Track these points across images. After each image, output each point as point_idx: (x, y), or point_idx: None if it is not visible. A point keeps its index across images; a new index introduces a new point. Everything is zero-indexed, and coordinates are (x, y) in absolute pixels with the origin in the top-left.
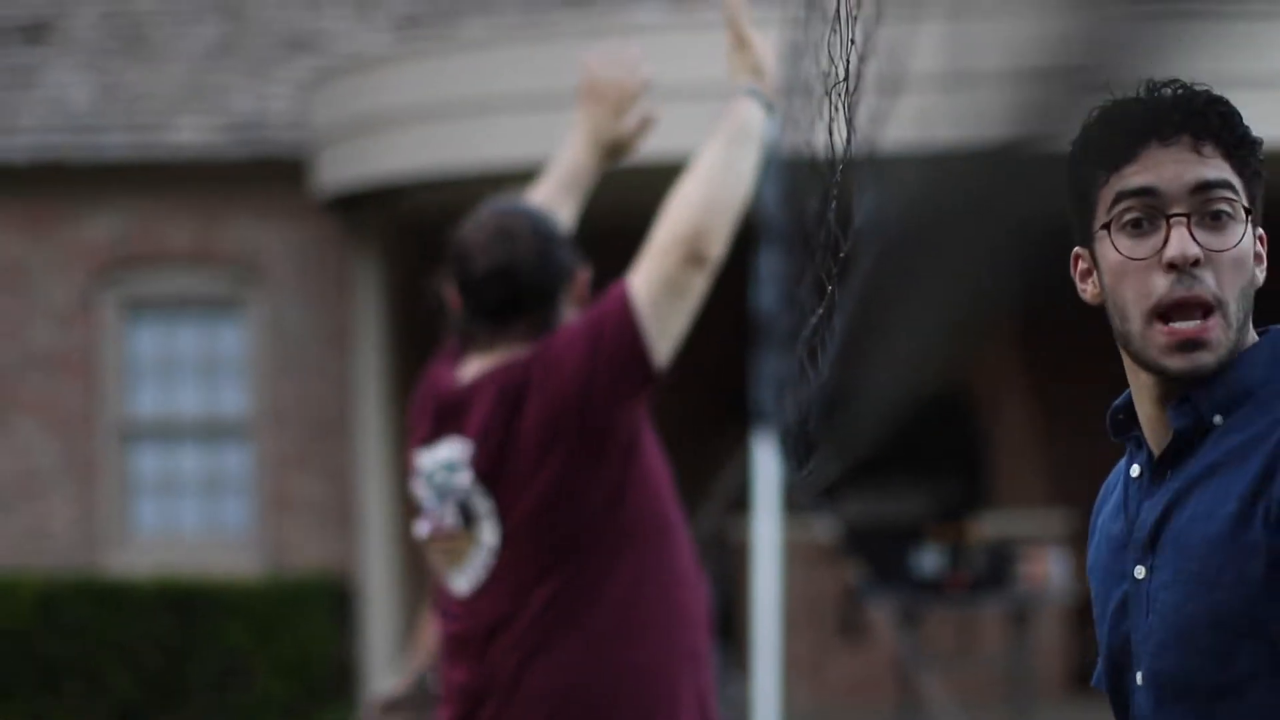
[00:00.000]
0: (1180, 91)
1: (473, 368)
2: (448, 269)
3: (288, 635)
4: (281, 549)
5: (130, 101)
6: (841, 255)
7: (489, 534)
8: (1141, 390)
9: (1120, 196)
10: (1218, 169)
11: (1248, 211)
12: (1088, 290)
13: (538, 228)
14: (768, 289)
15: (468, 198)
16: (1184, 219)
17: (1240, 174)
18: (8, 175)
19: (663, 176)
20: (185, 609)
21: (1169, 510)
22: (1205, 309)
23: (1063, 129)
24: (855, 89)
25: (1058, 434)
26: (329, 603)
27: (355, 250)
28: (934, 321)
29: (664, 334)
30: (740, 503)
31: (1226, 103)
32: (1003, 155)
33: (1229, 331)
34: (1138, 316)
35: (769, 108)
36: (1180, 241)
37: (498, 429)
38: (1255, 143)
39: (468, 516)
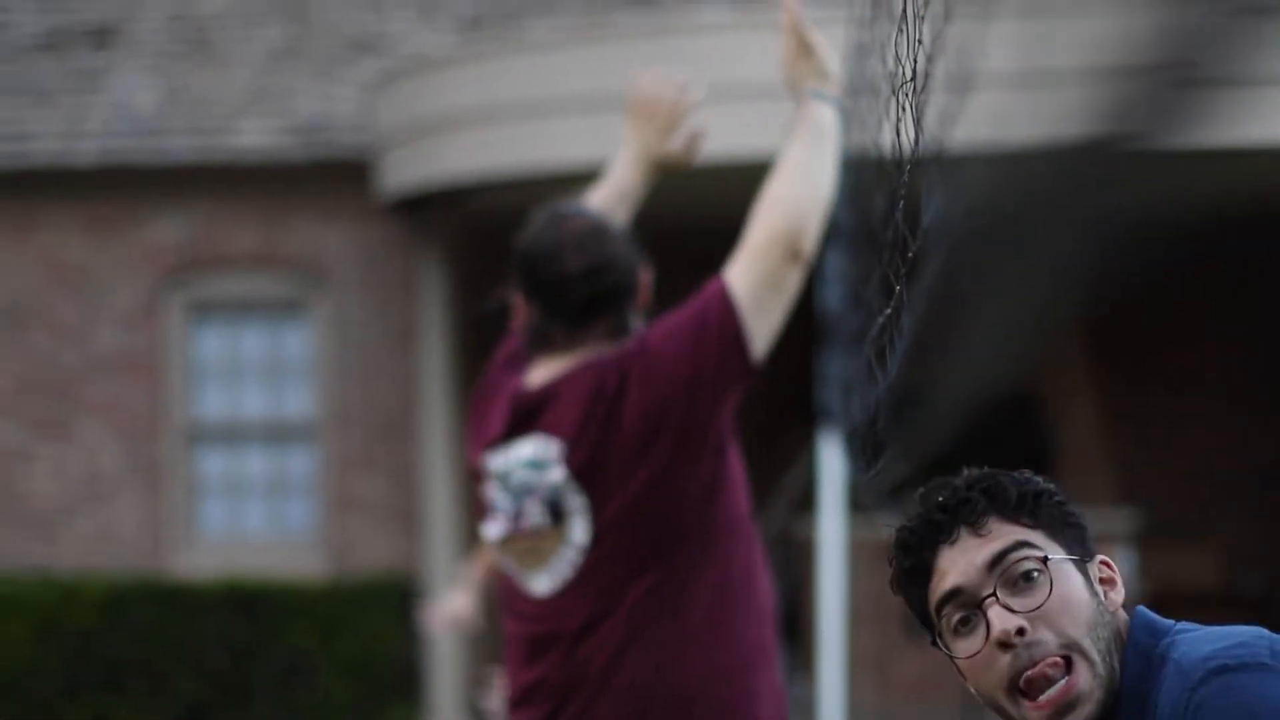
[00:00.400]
0: (944, 494)
1: (546, 370)
2: (516, 272)
3: (352, 636)
4: (346, 550)
5: (195, 105)
6: (909, 255)
7: (579, 531)
8: None
9: (939, 606)
10: (1003, 537)
11: (1075, 556)
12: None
13: (618, 229)
14: (833, 289)
15: (531, 199)
16: (992, 598)
17: (1035, 528)
18: (74, 178)
19: (729, 175)
20: (250, 610)
21: None
22: (1059, 667)
23: (1144, 126)
24: (923, 88)
25: (1123, 433)
26: (393, 603)
27: (419, 252)
28: (1011, 321)
29: (762, 329)
30: (806, 502)
31: (990, 477)
32: (1083, 153)
33: (1095, 669)
34: (1006, 699)
35: (839, 109)
36: (998, 619)
37: (595, 424)
38: (1039, 494)
39: (556, 514)
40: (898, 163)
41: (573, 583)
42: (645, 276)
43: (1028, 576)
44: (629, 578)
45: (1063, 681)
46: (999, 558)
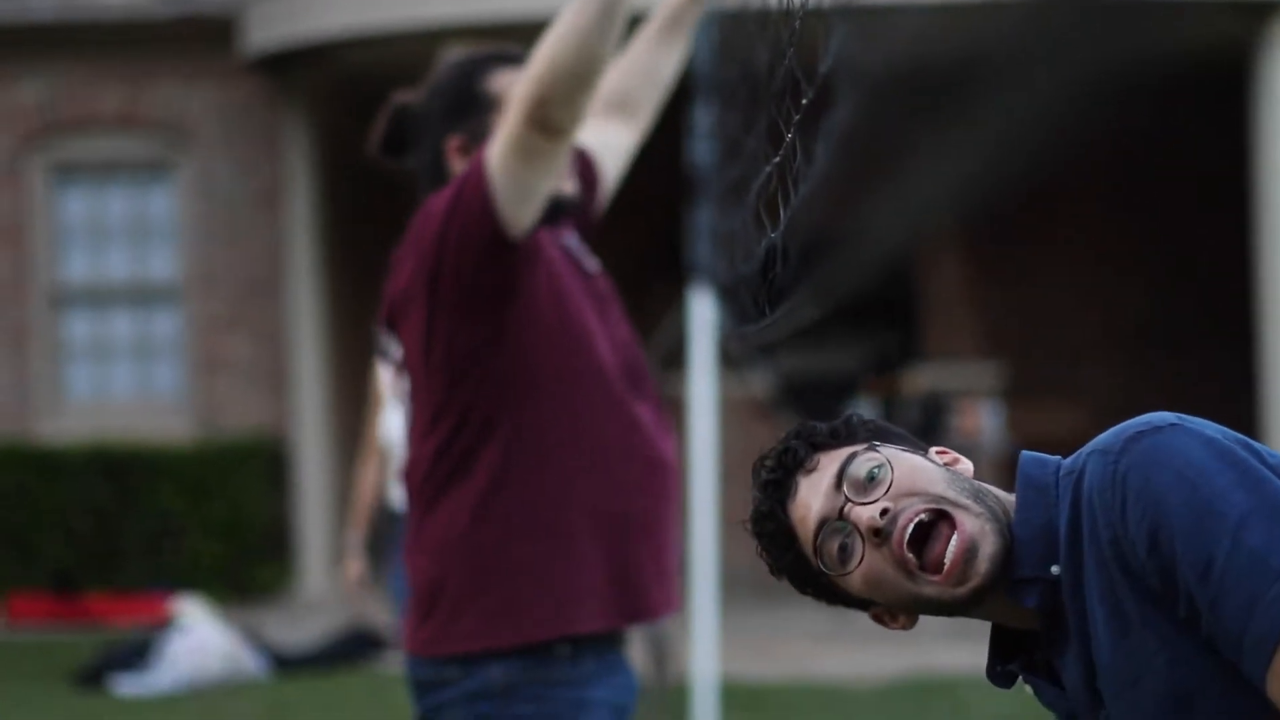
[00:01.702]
0: (766, 460)
1: None
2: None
3: (221, 497)
4: (213, 412)
5: None
6: (804, 103)
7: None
8: (995, 625)
9: (816, 552)
10: (836, 460)
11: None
12: (893, 622)
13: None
14: (702, 143)
15: (399, 56)
16: (849, 504)
17: (858, 443)
18: None
19: None
20: (117, 473)
21: (1087, 665)
22: (933, 520)
23: None
24: None
25: (988, 288)
26: (262, 464)
27: (284, 111)
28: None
29: (518, 198)
30: (675, 359)
31: (798, 425)
32: (1051, 7)
33: (971, 510)
34: (914, 584)
35: None
36: (862, 515)
37: (391, 277)
38: (848, 419)
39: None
40: (789, 12)
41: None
42: (451, 142)
43: (870, 475)
44: (421, 440)
45: (953, 539)
46: (839, 475)
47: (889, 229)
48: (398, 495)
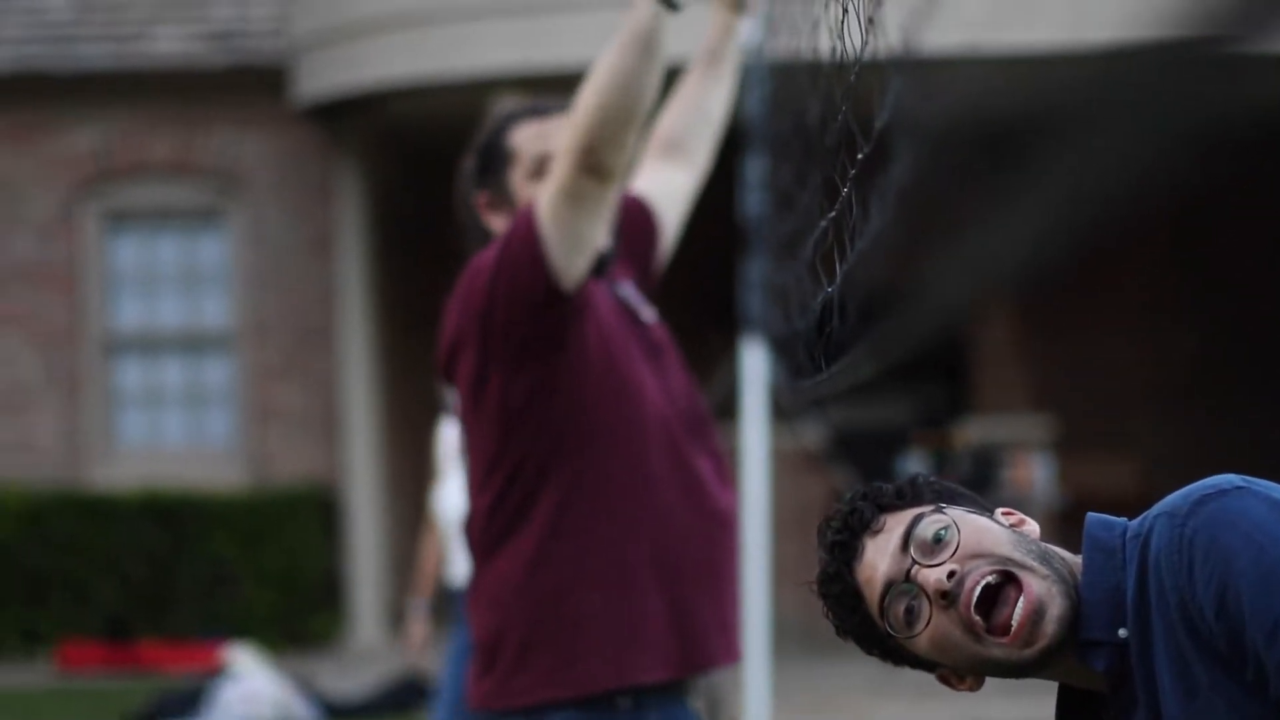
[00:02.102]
0: (833, 522)
1: None
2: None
3: (273, 545)
4: (265, 460)
5: (109, 11)
6: (859, 157)
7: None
8: (1061, 684)
9: (882, 614)
10: (902, 521)
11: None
12: (960, 683)
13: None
14: (755, 195)
15: (449, 105)
16: (916, 567)
17: (924, 504)
18: None
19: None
20: (170, 520)
21: None
22: (1000, 583)
23: (1227, 28)
24: None
25: (1039, 341)
26: (314, 513)
27: (336, 158)
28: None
29: (570, 247)
30: (727, 410)
31: (864, 487)
32: (1151, 56)
33: (1038, 572)
34: (982, 647)
35: (669, 4)
36: (929, 577)
37: (443, 330)
38: (913, 479)
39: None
40: (844, 65)
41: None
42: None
43: (937, 537)
44: (478, 492)
45: (1020, 601)
46: (905, 536)
47: (950, 288)
48: (457, 569)
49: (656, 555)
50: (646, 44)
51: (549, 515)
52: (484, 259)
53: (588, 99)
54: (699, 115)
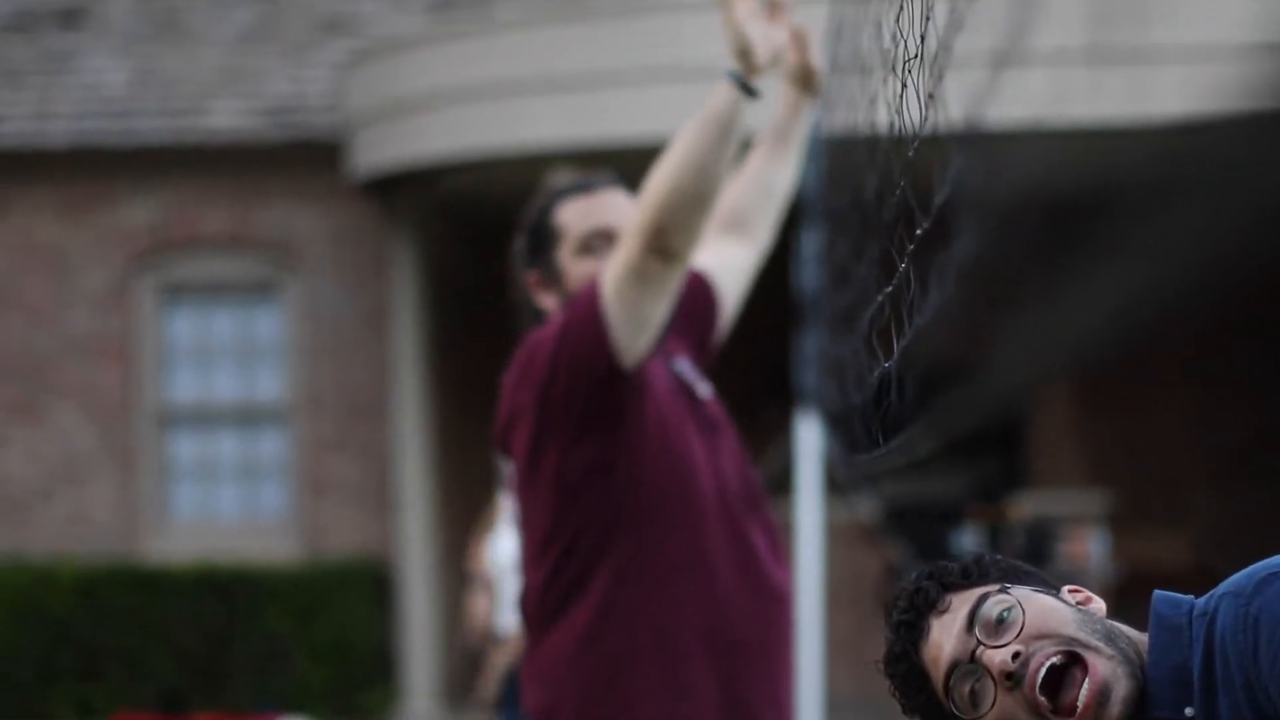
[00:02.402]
0: (900, 601)
1: None
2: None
3: (327, 619)
4: (319, 533)
5: (166, 86)
6: (919, 232)
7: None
8: None
9: (948, 694)
10: (968, 601)
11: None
12: None
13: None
14: (810, 268)
15: (503, 179)
16: (981, 648)
17: (990, 583)
18: (45, 160)
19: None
20: (225, 594)
21: None
22: (1066, 663)
23: None
24: (935, 63)
25: (1095, 415)
26: (367, 586)
27: (391, 232)
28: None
29: (634, 326)
30: (782, 483)
31: (930, 565)
32: (1237, 131)
33: (1103, 652)
34: None
35: (748, 91)
36: (994, 659)
37: (500, 404)
38: (979, 558)
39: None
40: (902, 140)
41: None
42: (529, 277)
43: (1001, 618)
44: (534, 567)
45: (1085, 682)
46: (971, 616)
47: (1014, 366)
48: (506, 620)
49: (710, 633)
50: (724, 129)
51: (604, 591)
52: (545, 334)
53: (661, 180)
54: (764, 193)
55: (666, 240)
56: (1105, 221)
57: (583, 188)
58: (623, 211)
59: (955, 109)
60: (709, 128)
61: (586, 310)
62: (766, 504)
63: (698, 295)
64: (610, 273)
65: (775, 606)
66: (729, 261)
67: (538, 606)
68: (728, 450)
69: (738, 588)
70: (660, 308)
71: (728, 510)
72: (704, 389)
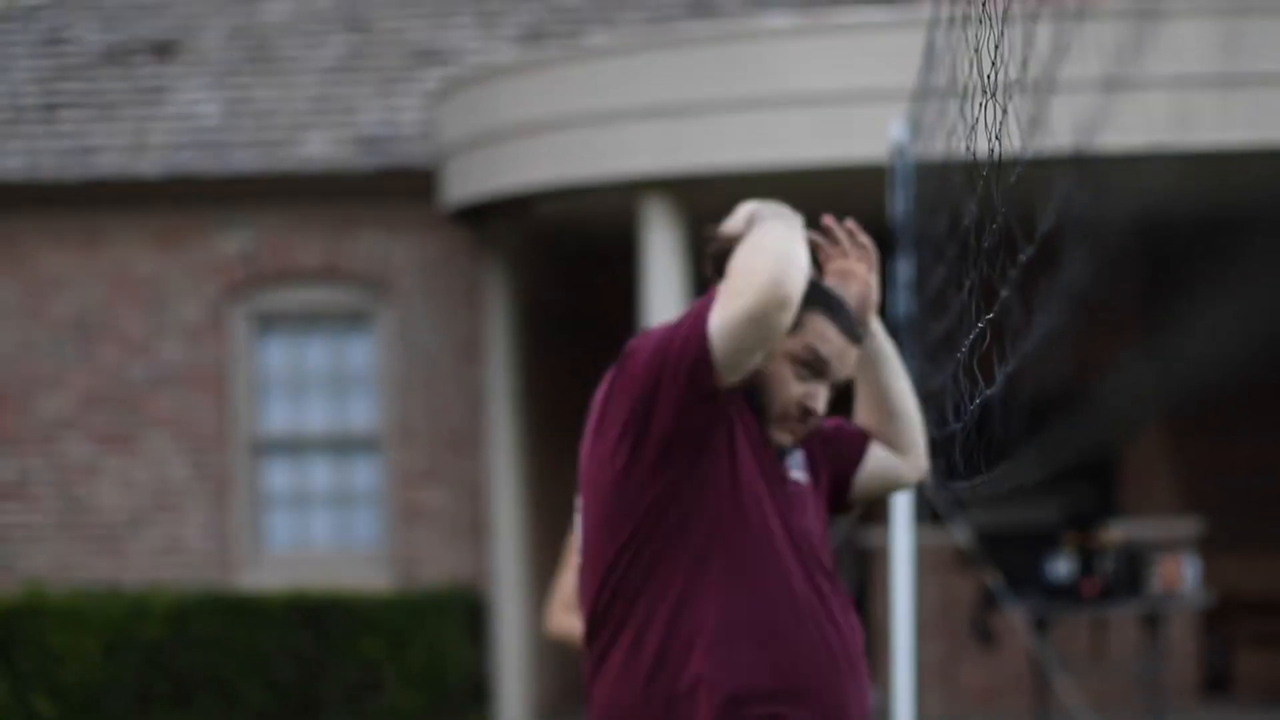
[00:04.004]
0: None
1: None
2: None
3: (420, 648)
4: (412, 562)
5: (259, 117)
6: (1022, 258)
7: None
8: None
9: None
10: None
11: None
12: None
13: None
14: (903, 295)
15: (594, 207)
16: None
17: None
18: (140, 192)
19: (791, 182)
20: (317, 622)
21: None
22: None
23: None
24: (1037, 88)
25: (1186, 440)
26: (460, 615)
27: (483, 261)
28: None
29: (733, 362)
30: (870, 511)
31: None
32: None
33: None
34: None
35: (856, 339)
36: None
37: (588, 428)
38: None
39: None
40: (1002, 166)
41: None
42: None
43: None
44: (597, 589)
45: None
46: None
47: (1128, 396)
48: None
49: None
50: (793, 234)
51: (658, 640)
52: (643, 344)
53: (792, 238)
54: (890, 416)
55: (786, 291)
56: (1224, 248)
57: (839, 313)
58: (841, 358)
59: (1064, 134)
60: (789, 227)
61: (697, 332)
62: (837, 579)
63: (851, 441)
64: (727, 311)
65: (838, 663)
66: (886, 461)
67: (590, 645)
68: (804, 516)
69: (795, 639)
70: (757, 356)
71: (791, 564)
72: (798, 474)
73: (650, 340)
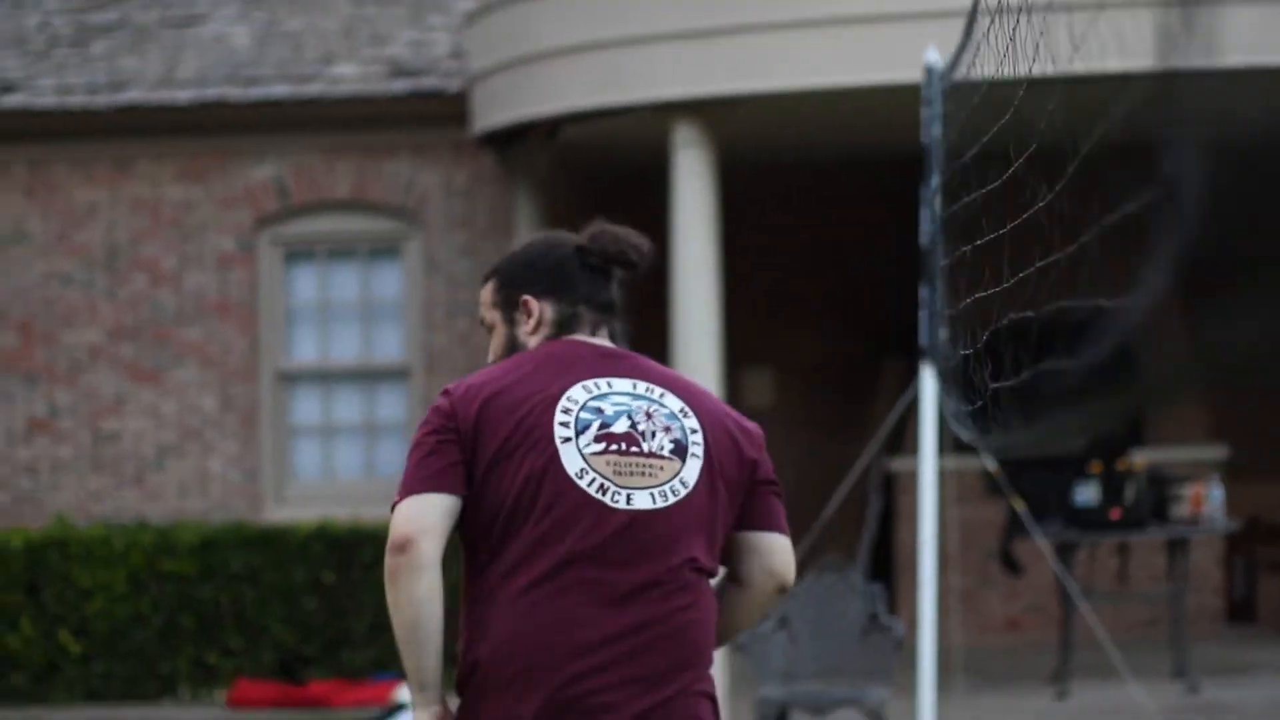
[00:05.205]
0: None
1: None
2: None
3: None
4: None
5: (289, 44)
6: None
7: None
8: None
9: None
10: None
11: None
12: None
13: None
14: (931, 221)
15: (623, 131)
16: None
17: None
18: (170, 120)
19: (819, 102)
20: (344, 554)
21: None
22: None
23: None
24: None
25: (1216, 367)
26: None
27: (513, 188)
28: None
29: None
30: (898, 436)
31: None
32: None
33: None
34: None
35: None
36: None
37: (721, 434)
38: None
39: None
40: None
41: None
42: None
43: None
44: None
45: None
46: None
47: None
48: None
49: None
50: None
51: None
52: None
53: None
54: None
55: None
56: None
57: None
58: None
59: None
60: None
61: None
62: None
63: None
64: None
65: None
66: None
67: None
68: None
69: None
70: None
71: None
72: None
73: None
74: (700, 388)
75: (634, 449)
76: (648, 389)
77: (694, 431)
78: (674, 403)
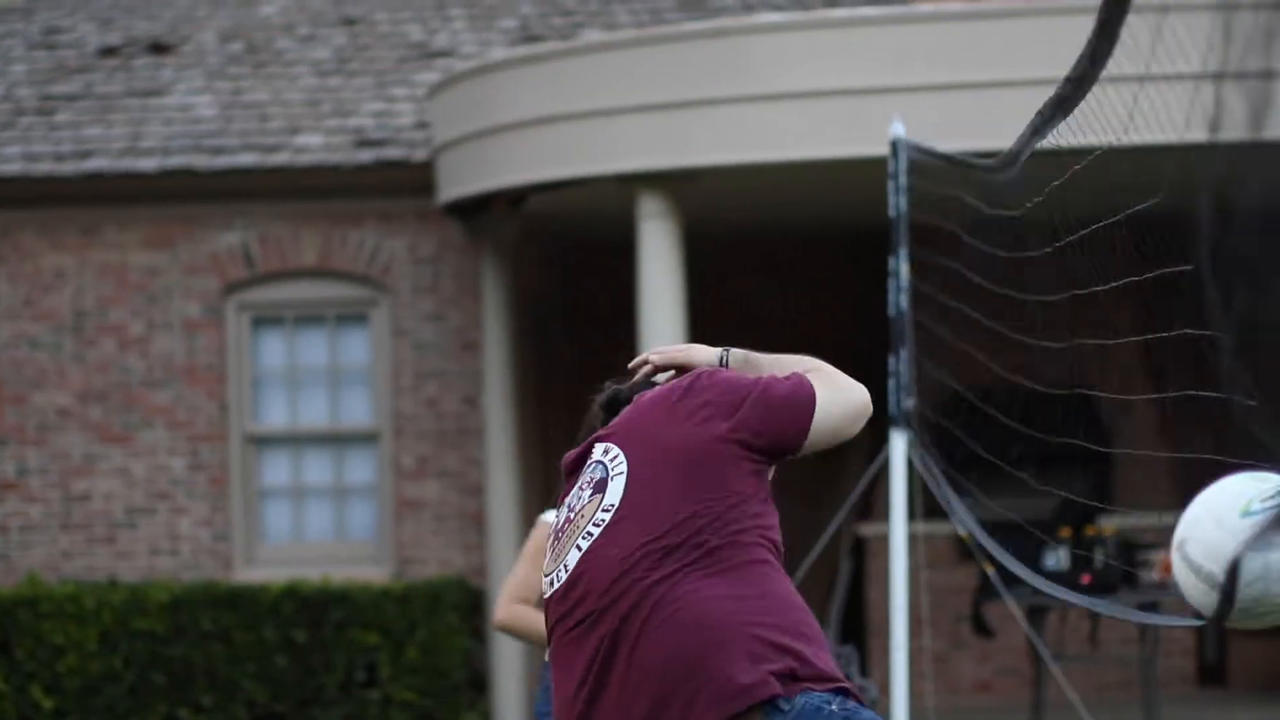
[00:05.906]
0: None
1: None
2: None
3: (417, 640)
4: (408, 555)
5: (255, 114)
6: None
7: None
8: None
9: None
10: None
11: None
12: None
13: None
14: (900, 291)
15: (589, 201)
16: None
17: None
18: (136, 188)
19: (783, 175)
20: (314, 615)
21: None
22: None
23: None
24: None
25: (1185, 432)
26: (457, 607)
27: (480, 256)
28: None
29: (819, 444)
30: (867, 502)
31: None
32: None
33: None
34: None
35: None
36: None
37: (638, 437)
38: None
39: None
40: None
41: None
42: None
43: None
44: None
45: None
46: None
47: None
48: None
49: None
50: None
51: None
52: (734, 384)
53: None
54: None
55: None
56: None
57: None
58: None
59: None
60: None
61: (805, 402)
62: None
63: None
64: (835, 406)
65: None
66: None
67: None
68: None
69: None
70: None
71: None
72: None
73: (744, 385)
74: (650, 395)
75: (564, 527)
76: (604, 450)
77: (614, 458)
78: (605, 450)
